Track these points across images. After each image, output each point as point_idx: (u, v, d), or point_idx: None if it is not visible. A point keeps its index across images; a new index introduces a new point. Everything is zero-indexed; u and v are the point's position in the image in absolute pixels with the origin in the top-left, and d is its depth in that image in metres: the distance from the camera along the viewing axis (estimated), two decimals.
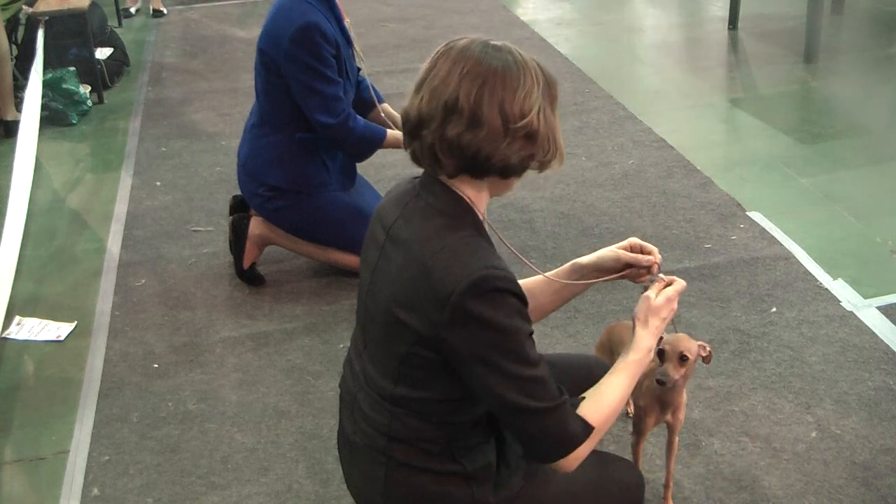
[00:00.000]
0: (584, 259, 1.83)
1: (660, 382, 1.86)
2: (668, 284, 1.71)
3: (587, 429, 1.54)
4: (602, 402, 1.58)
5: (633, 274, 1.79)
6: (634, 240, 1.84)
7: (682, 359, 1.85)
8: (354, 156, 3.10)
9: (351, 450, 1.72)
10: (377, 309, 1.58)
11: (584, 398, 1.59)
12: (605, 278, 1.81)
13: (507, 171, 1.54)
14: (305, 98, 2.89)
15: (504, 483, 1.65)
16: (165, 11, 6.78)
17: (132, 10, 6.77)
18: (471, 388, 1.52)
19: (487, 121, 1.47)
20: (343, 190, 3.12)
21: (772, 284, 3.07)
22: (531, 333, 1.51)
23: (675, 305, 1.70)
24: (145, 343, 2.93)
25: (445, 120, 1.49)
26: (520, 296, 1.49)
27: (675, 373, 1.86)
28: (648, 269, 1.77)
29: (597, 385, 1.62)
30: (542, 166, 1.58)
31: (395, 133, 3.07)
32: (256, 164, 3.06)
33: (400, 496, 1.64)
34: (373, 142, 3.03)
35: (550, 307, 1.87)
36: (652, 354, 1.69)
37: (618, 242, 1.83)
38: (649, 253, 1.78)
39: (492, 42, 1.54)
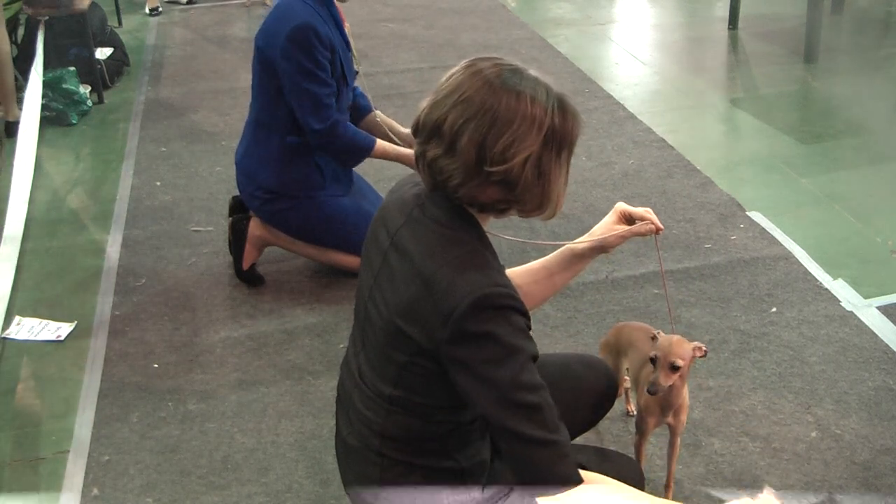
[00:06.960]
0: (581, 246, 1.82)
1: (650, 392, 1.84)
2: None
3: (576, 480, 1.45)
4: (601, 483, 1.49)
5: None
6: (622, 206, 1.84)
7: (673, 367, 1.82)
8: (341, 162, 3.12)
9: (346, 451, 1.72)
10: (378, 315, 1.57)
11: (588, 469, 1.50)
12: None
13: (480, 209, 1.53)
14: (297, 98, 2.90)
15: (496, 478, 1.64)
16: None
17: (158, 8, 6.72)
18: (465, 401, 1.51)
19: (463, 153, 1.46)
20: (339, 194, 3.12)
21: (772, 284, 3.07)
22: (535, 357, 1.46)
23: None
24: (145, 343, 2.93)
25: (430, 139, 1.50)
26: (523, 313, 1.47)
27: (665, 381, 1.83)
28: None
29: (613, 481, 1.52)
30: (524, 215, 1.55)
31: (383, 144, 3.09)
32: (251, 162, 3.07)
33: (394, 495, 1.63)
34: (360, 150, 3.05)
35: (541, 296, 1.86)
36: None
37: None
38: (641, 218, 1.82)
39: (522, 70, 1.48)
